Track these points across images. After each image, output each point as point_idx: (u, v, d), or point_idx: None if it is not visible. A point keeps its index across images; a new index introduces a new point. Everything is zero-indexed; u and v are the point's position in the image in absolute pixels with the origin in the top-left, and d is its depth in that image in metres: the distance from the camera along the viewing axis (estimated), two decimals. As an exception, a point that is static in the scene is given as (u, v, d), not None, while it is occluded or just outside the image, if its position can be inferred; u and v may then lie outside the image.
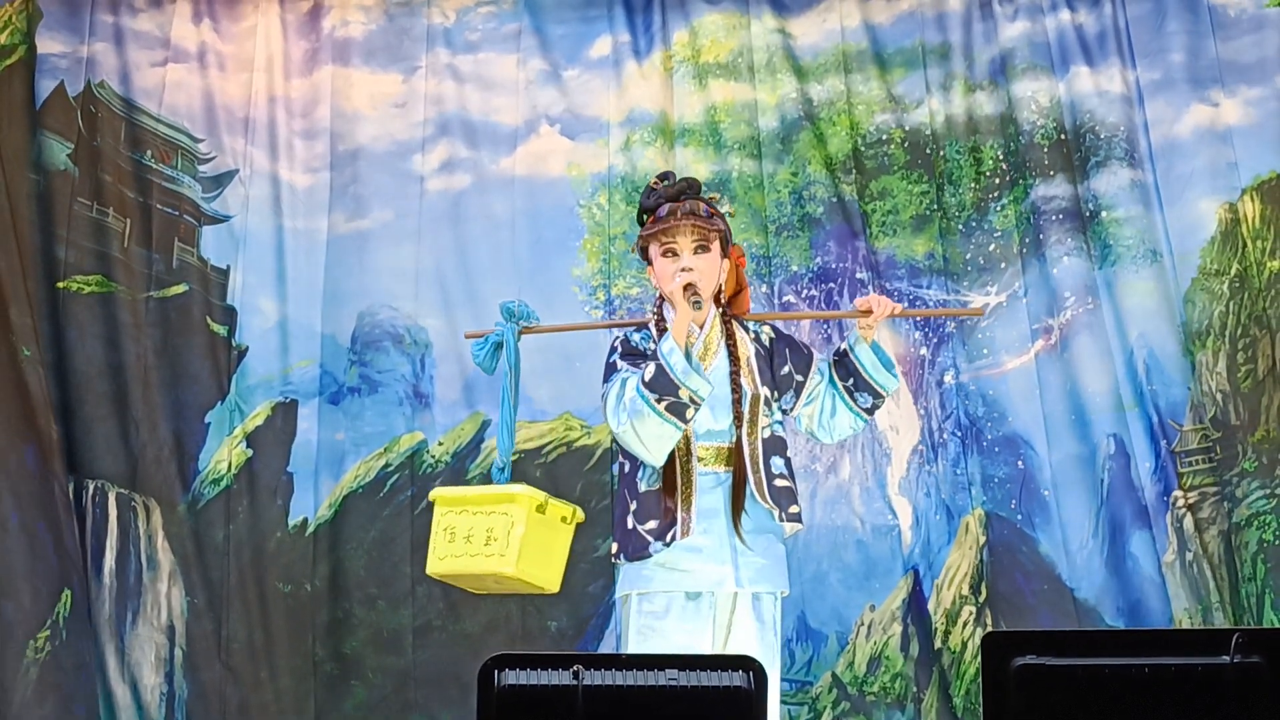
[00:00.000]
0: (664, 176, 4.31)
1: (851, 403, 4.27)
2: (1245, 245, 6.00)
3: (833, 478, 6.06)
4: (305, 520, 6.08)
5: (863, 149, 6.19)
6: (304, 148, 6.25)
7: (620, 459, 4.23)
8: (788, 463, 4.21)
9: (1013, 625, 5.85)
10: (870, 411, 4.30)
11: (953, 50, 6.23)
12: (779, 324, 4.47)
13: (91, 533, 6.00)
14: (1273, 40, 6.06)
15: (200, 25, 6.26)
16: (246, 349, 6.16)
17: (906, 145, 6.19)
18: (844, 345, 4.30)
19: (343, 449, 6.13)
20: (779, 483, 4.16)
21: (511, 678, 3.20)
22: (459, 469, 6.08)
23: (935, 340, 6.10)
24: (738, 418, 4.13)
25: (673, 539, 4.08)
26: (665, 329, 4.14)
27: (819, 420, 4.31)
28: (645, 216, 4.26)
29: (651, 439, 4.02)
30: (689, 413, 4.01)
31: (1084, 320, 6.02)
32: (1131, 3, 6.15)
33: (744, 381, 4.17)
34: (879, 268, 6.13)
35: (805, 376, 4.28)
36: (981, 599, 5.93)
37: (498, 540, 4.06)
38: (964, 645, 5.90)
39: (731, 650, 4.07)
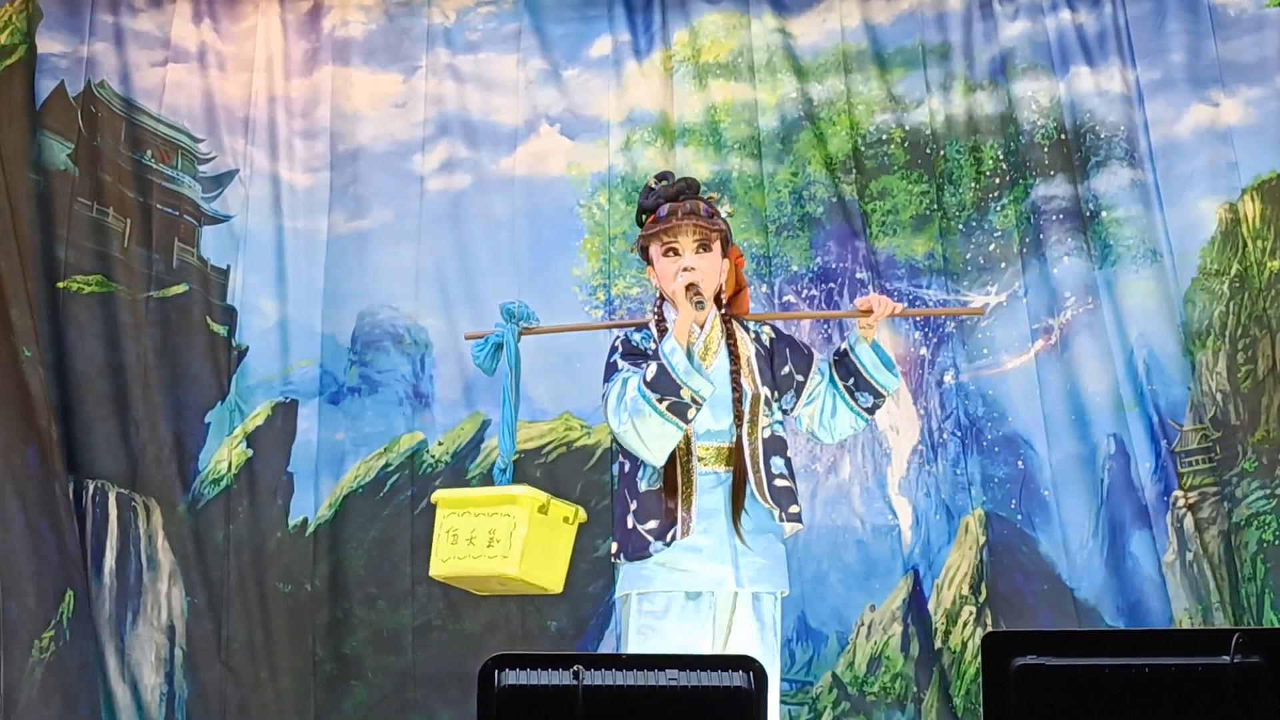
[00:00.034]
0: (662, 176, 4.30)
1: (852, 402, 4.27)
2: (1245, 245, 6.00)
3: (833, 478, 6.06)
4: (305, 520, 6.08)
5: (863, 149, 6.19)
6: (304, 148, 6.25)
7: (620, 459, 4.23)
8: (788, 463, 4.20)
9: (1013, 625, 5.84)
10: (871, 411, 4.30)
11: (953, 50, 6.23)
12: (779, 324, 4.46)
13: (91, 533, 6.00)
14: (1273, 40, 6.06)
15: (200, 25, 6.26)
16: (246, 349, 6.16)
17: (906, 145, 6.19)
18: (844, 345, 4.29)
19: (343, 449, 6.13)
20: (779, 483, 4.15)
21: (511, 678, 3.20)
22: (459, 469, 6.08)
23: (935, 340, 6.10)
24: (738, 418, 4.13)
25: (673, 539, 4.07)
26: (665, 329, 4.14)
27: (819, 420, 4.31)
28: (644, 216, 4.25)
29: (653, 439, 4.02)
30: (690, 413, 4.01)
31: (1084, 320, 6.02)
32: (1132, 3, 6.15)
33: (744, 381, 4.16)
34: (879, 267, 6.12)
35: (805, 376, 4.28)
36: (981, 599, 5.93)
37: (500, 542, 4.06)
38: (964, 645, 5.90)
39: (731, 650, 4.06)
